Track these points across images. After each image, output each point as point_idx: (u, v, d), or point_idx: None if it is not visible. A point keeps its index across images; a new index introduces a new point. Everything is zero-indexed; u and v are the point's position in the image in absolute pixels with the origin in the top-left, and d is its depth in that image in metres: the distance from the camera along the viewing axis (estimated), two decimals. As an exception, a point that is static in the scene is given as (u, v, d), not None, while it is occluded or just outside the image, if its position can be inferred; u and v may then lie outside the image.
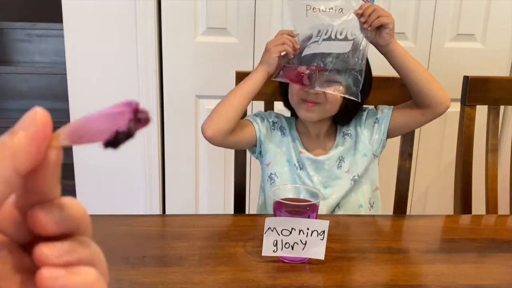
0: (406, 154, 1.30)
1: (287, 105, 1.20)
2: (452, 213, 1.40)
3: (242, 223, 1.00)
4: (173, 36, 1.81)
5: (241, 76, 1.28)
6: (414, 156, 1.60)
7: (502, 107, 1.38)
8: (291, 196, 0.91)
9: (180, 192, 1.97)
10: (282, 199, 0.86)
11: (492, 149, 1.31)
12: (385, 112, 1.18)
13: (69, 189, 2.03)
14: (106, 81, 1.84)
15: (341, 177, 1.16)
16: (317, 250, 0.80)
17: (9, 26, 2.52)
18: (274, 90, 1.25)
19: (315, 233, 0.79)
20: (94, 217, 1.03)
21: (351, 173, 1.16)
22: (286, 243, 0.80)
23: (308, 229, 0.79)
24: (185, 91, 1.86)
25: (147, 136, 1.88)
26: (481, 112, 1.32)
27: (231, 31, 1.82)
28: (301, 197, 0.91)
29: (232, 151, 1.37)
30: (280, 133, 1.19)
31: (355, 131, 1.18)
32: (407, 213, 1.11)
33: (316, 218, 0.86)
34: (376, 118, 1.18)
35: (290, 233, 0.79)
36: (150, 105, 1.85)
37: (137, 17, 1.77)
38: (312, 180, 1.16)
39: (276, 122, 1.20)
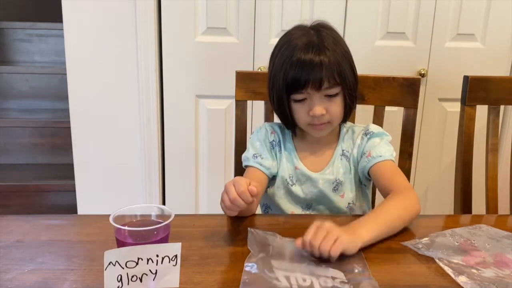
0: (406, 154, 1.30)
1: (286, 122, 1.14)
2: (452, 213, 1.40)
3: (242, 223, 1.00)
4: (173, 36, 1.81)
5: (241, 76, 1.29)
6: (414, 156, 1.60)
7: (502, 107, 1.38)
8: (139, 217, 0.83)
9: (180, 192, 1.97)
10: (125, 224, 0.79)
11: (492, 149, 1.31)
12: (371, 159, 1.10)
13: (69, 189, 2.03)
14: (106, 81, 1.84)
15: (335, 201, 1.15)
16: (170, 278, 0.72)
17: (9, 26, 2.52)
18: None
19: (166, 259, 0.70)
20: (94, 217, 1.02)
21: (346, 199, 1.15)
22: (132, 276, 0.69)
23: (157, 256, 0.69)
24: (185, 91, 1.86)
25: (147, 136, 1.88)
26: (481, 112, 1.32)
27: (231, 31, 1.82)
28: (153, 217, 0.83)
29: (232, 151, 1.37)
30: (278, 149, 1.17)
31: (351, 153, 1.15)
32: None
33: (168, 241, 0.79)
34: (363, 153, 1.13)
35: (137, 264, 0.69)
36: (150, 105, 1.85)
37: (137, 17, 1.77)
38: (306, 196, 1.15)
39: (274, 140, 1.17)
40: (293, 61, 1.03)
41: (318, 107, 1.05)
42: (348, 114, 1.12)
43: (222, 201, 0.92)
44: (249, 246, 0.85)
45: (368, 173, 1.11)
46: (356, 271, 0.80)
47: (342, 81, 1.05)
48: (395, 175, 1.08)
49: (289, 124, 1.13)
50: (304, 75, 1.02)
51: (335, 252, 0.81)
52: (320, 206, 1.16)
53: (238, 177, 0.92)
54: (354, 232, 0.87)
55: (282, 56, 1.06)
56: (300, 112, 1.07)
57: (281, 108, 1.09)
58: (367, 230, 0.88)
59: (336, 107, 1.07)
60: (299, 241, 0.83)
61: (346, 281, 0.77)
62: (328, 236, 0.82)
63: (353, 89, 1.09)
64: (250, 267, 0.80)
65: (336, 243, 0.81)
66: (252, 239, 0.87)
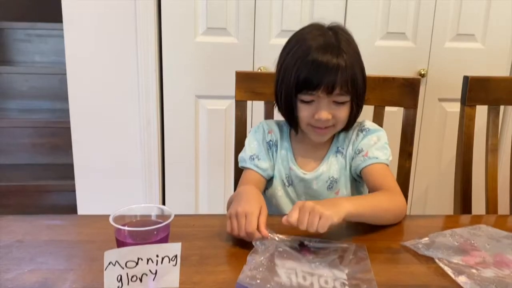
0: (406, 154, 1.30)
1: (290, 120, 1.12)
2: (452, 213, 1.40)
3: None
4: (173, 36, 1.81)
5: (241, 76, 1.29)
6: (414, 156, 1.60)
7: (502, 107, 1.38)
8: (139, 217, 0.83)
9: (180, 192, 1.97)
10: (125, 224, 0.79)
11: (492, 149, 1.31)
12: (366, 159, 1.10)
13: (69, 189, 2.03)
14: (106, 81, 1.84)
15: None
16: (170, 278, 0.71)
17: (9, 26, 2.53)
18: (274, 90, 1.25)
19: (166, 259, 0.70)
20: (94, 217, 1.02)
21: (340, 195, 1.14)
22: (132, 276, 0.69)
23: (157, 256, 0.70)
24: (185, 91, 1.86)
25: (147, 136, 1.88)
26: (481, 112, 1.32)
27: (231, 31, 1.82)
28: (153, 217, 0.83)
29: (232, 151, 1.37)
30: (274, 149, 1.16)
31: (347, 150, 1.14)
32: (407, 213, 1.11)
33: (168, 241, 0.80)
34: (358, 150, 1.12)
35: (137, 264, 0.69)
36: (150, 105, 1.85)
37: (137, 17, 1.77)
38: (300, 198, 1.15)
39: (271, 140, 1.17)
40: (308, 60, 1.00)
41: (325, 112, 1.03)
42: (352, 122, 1.10)
43: (231, 227, 0.89)
44: (254, 241, 0.85)
45: (360, 172, 1.11)
46: (358, 273, 0.80)
47: (353, 90, 1.03)
48: (386, 178, 1.08)
49: (293, 122, 1.11)
50: (318, 77, 0.99)
51: (322, 229, 0.83)
52: None
53: (250, 209, 0.89)
54: (337, 204, 0.88)
55: (296, 53, 1.03)
56: (304, 113, 1.05)
57: (288, 105, 1.07)
58: (352, 204, 0.90)
59: (342, 113, 1.05)
60: (285, 221, 0.85)
61: (346, 282, 0.77)
62: (312, 215, 0.83)
63: (361, 98, 1.07)
64: (253, 259, 0.80)
65: (322, 219, 0.83)
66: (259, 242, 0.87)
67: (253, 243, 0.86)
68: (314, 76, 1.00)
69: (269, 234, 0.87)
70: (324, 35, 1.04)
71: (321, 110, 1.03)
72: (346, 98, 1.04)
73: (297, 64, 1.02)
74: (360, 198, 0.99)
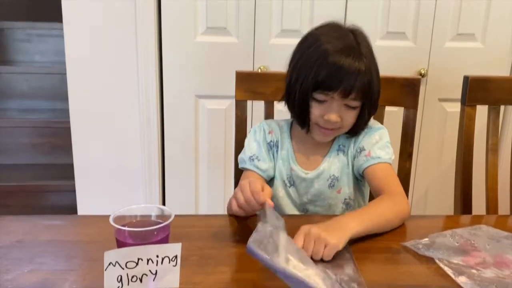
0: (406, 154, 1.30)
1: (302, 119, 1.09)
2: (452, 213, 1.40)
3: (242, 223, 1.00)
4: (173, 36, 1.81)
5: (241, 76, 1.29)
6: (414, 156, 1.60)
7: (502, 107, 1.38)
8: (139, 218, 0.83)
9: (180, 192, 1.97)
10: (125, 225, 0.79)
11: (492, 149, 1.31)
12: (369, 159, 1.09)
13: (69, 189, 2.03)
14: (106, 81, 1.84)
15: (332, 197, 1.14)
16: (170, 278, 0.71)
17: (9, 26, 2.53)
18: (274, 90, 1.25)
19: (166, 260, 0.70)
20: (94, 217, 1.02)
21: (342, 194, 1.14)
22: (132, 277, 0.69)
23: (157, 256, 0.69)
24: (185, 91, 1.86)
25: (147, 136, 1.88)
26: (481, 112, 1.32)
27: (231, 31, 1.82)
28: (153, 218, 0.83)
29: (232, 151, 1.37)
30: (275, 149, 1.16)
31: (349, 148, 1.14)
32: (407, 213, 1.12)
33: (168, 242, 0.80)
34: (360, 149, 1.11)
35: (137, 264, 0.68)
36: (150, 105, 1.85)
37: (137, 17, 1.77)
38: (302, 198, 1.15)
39: (271, 140, 1.16)
40: (329, 61, 0.99)
41: (335, 114, 1.03)
42: (361, 128, 1.10)
43: (236, 198, 0.92)
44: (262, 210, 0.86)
45: (363, 172, 1.11)
46: (346, 271, 0.80)
47: (368, 95, 1.03)
48: (389, 178, 1.08)
49: (304, 121, 1.08)
50: (338, 80, 0.99)
51: (328, 258, 0.82)
52: (317, 209, 1.15)
53: (253, 179, 0.93)
54: (342, 226, 0.87)
55: (314, 52, 1.02)
56: (314, 112, 1.05)
57: (302, 104, 1.05)
58: (358, 223, 0.89)
59: (351, 118, 1.06)
60: None
61: (335, 280, 0.76)
62: (317, 243, 0.82)
63: (374, 105, 1.07)
64: (262, 225, 0.80)
65: (326, 248, 0.82)
66: (264, 214, 0.86)
67: (263, 209, 0.85)
68: (335, 78, 0.99)
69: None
70: (343, 37, 1.03)
71: (331, 112, 1.03)
72: (358, 103, 1.04)
73: (317, 63, 1.00)
74: (365, 214, 0.95)
